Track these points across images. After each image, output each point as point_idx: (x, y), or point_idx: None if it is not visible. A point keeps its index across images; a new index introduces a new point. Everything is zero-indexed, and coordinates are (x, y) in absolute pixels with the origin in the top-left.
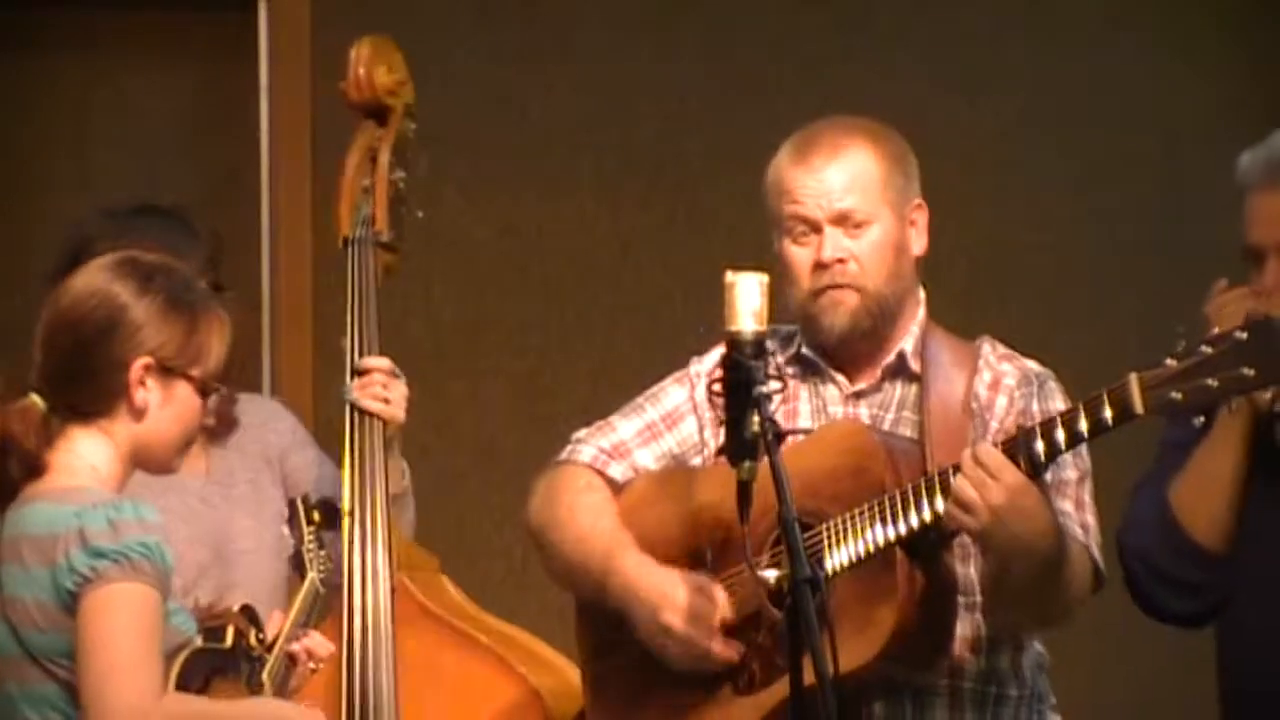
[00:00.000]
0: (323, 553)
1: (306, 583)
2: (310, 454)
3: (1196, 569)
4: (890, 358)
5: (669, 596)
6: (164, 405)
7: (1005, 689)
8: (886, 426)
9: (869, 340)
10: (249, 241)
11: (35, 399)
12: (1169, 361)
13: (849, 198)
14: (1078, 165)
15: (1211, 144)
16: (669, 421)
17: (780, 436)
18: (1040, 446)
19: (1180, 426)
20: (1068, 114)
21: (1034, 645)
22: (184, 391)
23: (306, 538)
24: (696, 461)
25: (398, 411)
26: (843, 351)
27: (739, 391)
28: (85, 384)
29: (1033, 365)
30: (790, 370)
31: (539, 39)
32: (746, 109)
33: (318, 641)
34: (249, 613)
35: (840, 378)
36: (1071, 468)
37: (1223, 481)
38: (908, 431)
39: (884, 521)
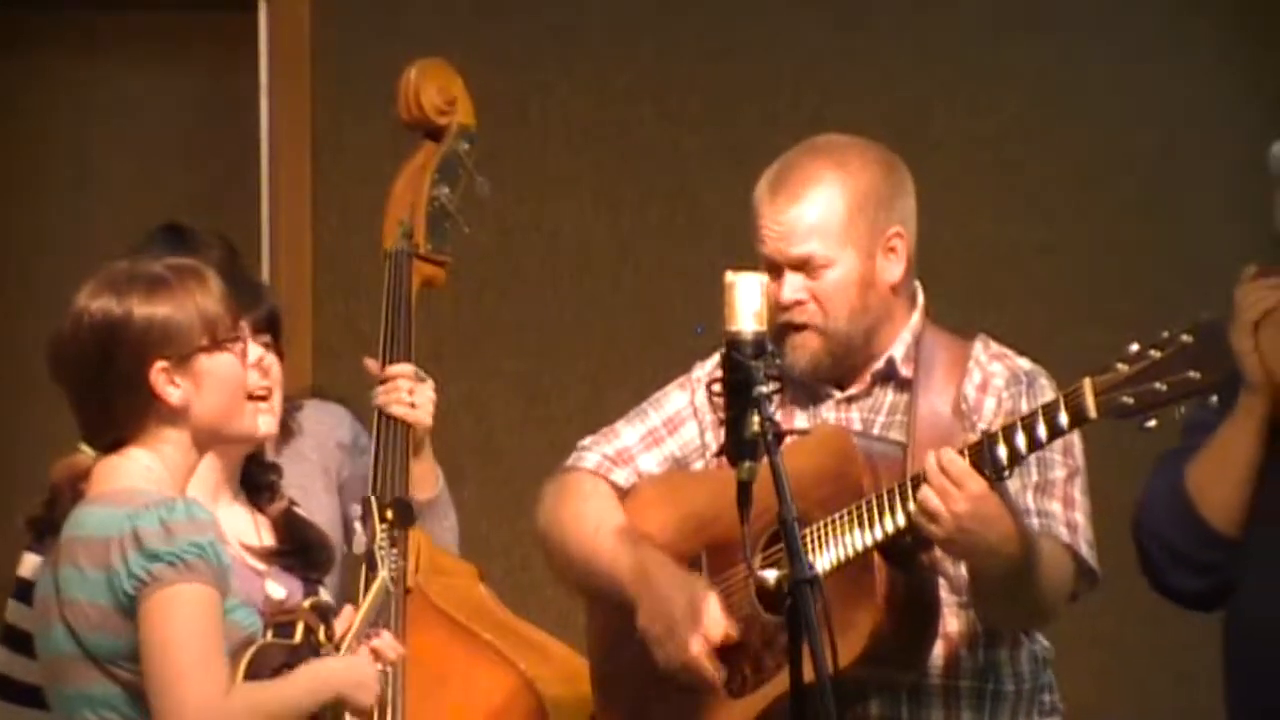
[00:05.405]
0: (394, 551)
1: (377, 581)
2: (368, 462)
3: (1206, 549)
4: (879, 364)
5: (663, 605)
6: (200, 388)
7: (1002, 684)
8: (877, 430)
9: (838, 368)
10: (249, 241)
11: (85, 450)
12: (1120, 366)
13: (808, 244)
14: (1078, 165)
15: (1211, 144)
16: (670, 426)
17: (780, 436)
18: (1003, 452)
19: (1204, 408)
20: (1068, 114)
21: (1036, 639)
22: (206, 363)
23: (378, 536)
24: (699, 465)
25: (424, 415)
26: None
27: (739, 391)
28: (119, 412)
29: (1023, 363)
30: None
31: (539, 39)
32: (746, 109)
33: (387, 643)
34: (320, 609)
35: (829, 389)
36: (1060, 466)
37: (1238, 465)
38: (899, 436)
39: (861, 526)
